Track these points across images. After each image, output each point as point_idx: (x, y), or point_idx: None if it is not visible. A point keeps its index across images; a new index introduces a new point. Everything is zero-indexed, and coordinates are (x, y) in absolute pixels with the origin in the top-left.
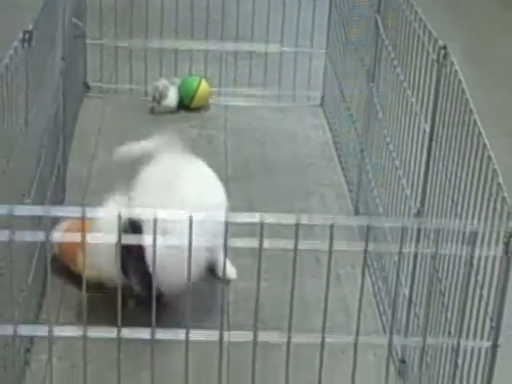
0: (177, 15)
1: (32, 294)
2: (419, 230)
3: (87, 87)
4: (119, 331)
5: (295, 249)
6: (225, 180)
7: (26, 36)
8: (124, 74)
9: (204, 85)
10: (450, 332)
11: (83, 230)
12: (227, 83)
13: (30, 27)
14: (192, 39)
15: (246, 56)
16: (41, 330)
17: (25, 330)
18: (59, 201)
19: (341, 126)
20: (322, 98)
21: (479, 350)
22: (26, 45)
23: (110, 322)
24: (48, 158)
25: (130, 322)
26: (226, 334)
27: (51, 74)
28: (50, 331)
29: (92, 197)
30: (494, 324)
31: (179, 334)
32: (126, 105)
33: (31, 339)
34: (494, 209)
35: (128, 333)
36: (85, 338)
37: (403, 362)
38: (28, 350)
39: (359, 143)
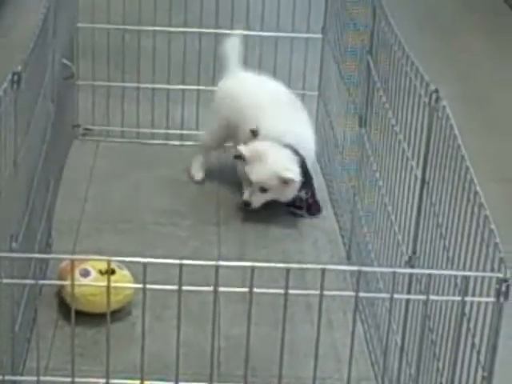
0: (169, 58)
1: (19, 340)
2: (411, 276)
3: (78, 129)
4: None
5: (285, 294)
6: (216, 223)
7: (15, 77)
8: (116, 115)
9: None
10: (441, 383)
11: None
12: None
13: (19, 68)
14: (184, 83)
15: None
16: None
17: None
18: (48, 245)
19: (333, 171)
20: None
21: None
22: (14, 86)
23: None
24: (38, 202)
25: None
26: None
27: (40, 115)
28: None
29: (82, 239)
30: (485, 374)
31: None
32: (118, 148)
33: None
34: (486, 255)
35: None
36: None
37: None
38: None
39: (352, 188)
